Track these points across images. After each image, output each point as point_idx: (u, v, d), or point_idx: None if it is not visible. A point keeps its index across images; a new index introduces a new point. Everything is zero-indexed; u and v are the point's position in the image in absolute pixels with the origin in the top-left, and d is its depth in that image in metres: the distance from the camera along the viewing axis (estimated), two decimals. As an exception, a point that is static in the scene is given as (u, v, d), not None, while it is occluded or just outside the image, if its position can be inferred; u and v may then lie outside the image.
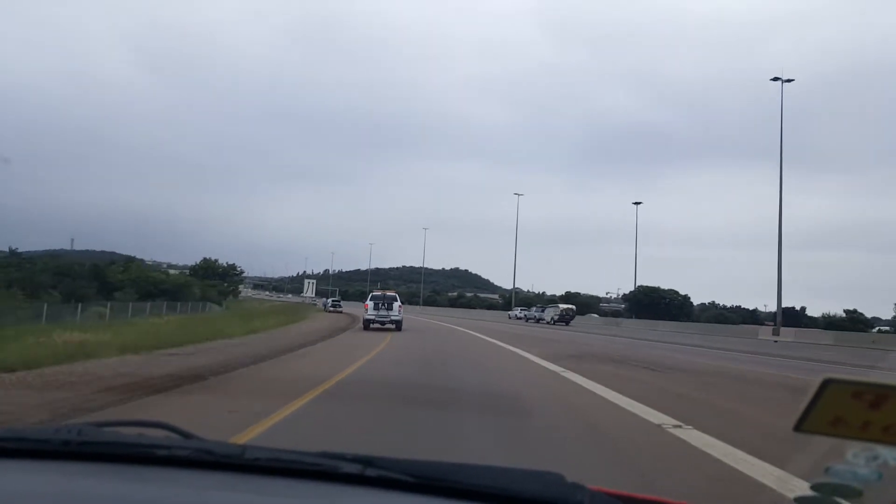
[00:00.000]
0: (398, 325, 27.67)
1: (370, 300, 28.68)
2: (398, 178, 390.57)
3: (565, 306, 62.52)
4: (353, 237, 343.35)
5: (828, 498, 0.87)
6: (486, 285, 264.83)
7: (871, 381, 0.79)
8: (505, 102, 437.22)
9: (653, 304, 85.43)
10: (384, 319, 27.71)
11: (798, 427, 0.82)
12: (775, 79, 45.76)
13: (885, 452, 0.85)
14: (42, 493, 1.10)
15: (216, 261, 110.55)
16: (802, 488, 0.90)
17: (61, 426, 1.25)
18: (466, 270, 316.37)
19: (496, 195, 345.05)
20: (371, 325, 27.83)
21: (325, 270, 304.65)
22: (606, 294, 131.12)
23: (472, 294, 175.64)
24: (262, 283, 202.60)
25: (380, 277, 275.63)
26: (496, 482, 1.07)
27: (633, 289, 78.01)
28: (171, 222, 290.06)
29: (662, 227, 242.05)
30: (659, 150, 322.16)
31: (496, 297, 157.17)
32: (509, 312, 75.62)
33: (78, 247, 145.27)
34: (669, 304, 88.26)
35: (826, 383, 0.80)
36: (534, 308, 69.81)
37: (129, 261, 63.57)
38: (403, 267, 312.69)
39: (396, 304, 28.26)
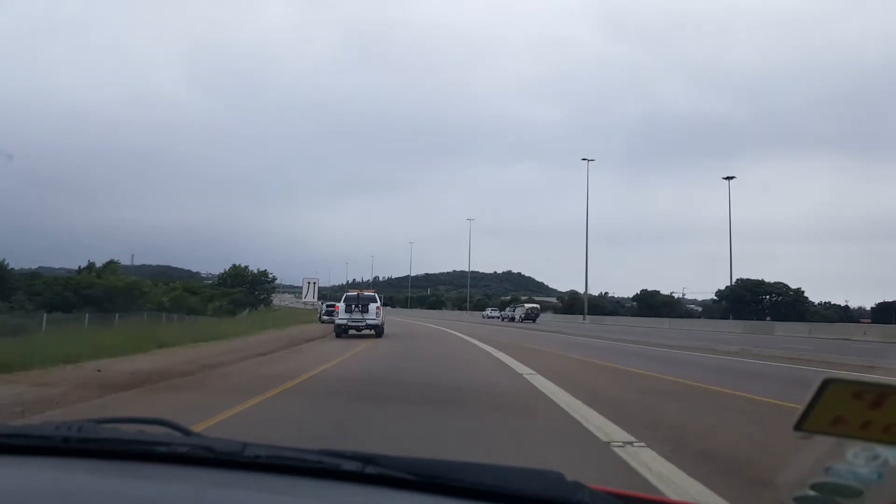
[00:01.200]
0: (378, 330, 24.27)
1: (343, 301, 25.06)
2: (449, 183, 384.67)
3: (530, 305, 70.40)
4: (402, 244, 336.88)
5: (828, 497, 0.87)
6: (541, 288, 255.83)
7: (872, 380, 0.79)
8: (557, 101, 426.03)
9: (755, 300, 70.87)
10: (359, 324, 24.13)
11: (798, 426, 0.82)
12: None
13: (885, 452, 0.85)
14: (42, 490, 1.09)
15: (246, 267, 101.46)
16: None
17: (61, 423, 1.24)
18: (519, 273, 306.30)
19: (549, 196, 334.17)
20: (345, 332, 24.18)
21: (375, 277, 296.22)
22: (683, 292, 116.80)
23: (527, 297, 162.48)
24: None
25: (430, 283, 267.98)
26: (496, 480, 1.06)
27: (730, 284, 63.82)
28: (225, 236, 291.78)
29: (727, 222, 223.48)
30: (723, 141, 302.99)
31: (553, 300, 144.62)
32: (482, 313, 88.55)
33: (137, 262, 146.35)
34: (779, 302, 72.08)
35: (826, 383, 0.80)
36: (507, 308, 77.65)
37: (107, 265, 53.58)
38: (454, 271, 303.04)
39: (374, 306, 24.40)
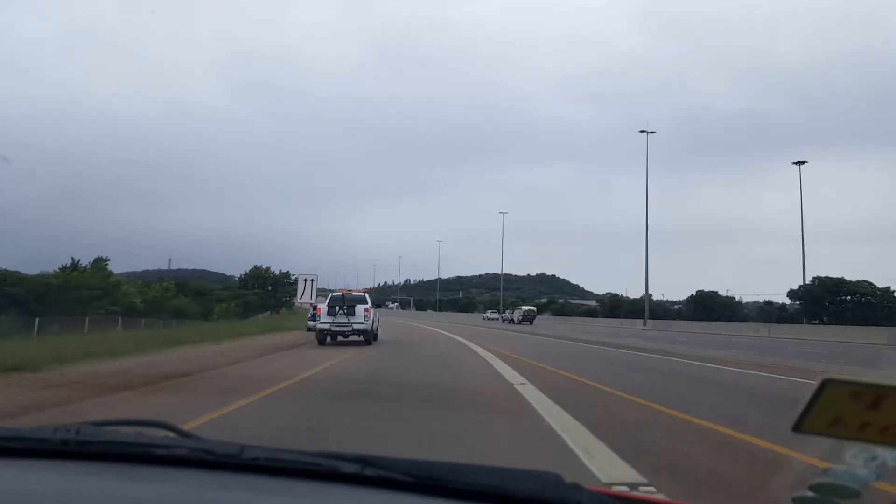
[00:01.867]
0: (367, 335, 20.95)
1: (325, 303, 21.62)
2: (480, 185, 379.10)
3: (527, 308, 74.65)
4: (433, 247, 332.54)
5: (826, 499, 0.87)
6: (576, 291, 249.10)
7: (870, 381, 0.78)
8: (592, 100, 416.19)
9: (834, 301, 61.75)
10: (344, 329, 20.73)
11: (797, 428, 0.82)
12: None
13: (883, 453, 0.84)
14: (41, 493, 1.09)
15: (268, 269, 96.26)
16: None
17: (60, 425, 1.23)
18: (553, 276, 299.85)
19: (585, 197, 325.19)
20: (329, 339, 21.09)
21: (406, 280, 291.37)
22: (739, 295, 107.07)
23: (563, 300, 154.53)
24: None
25: (461, 286, 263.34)
26: (494, 482, 1.06)
27: (804, 283, 54.94)
28: (258, 240, 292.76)
29: (774, 223, 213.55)
30: (768, 140, 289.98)
31: (592, 303, 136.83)
32: (483, 315, 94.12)
33: (174, 266, 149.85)
34: (863, 303, 62.08)
35: (825, 384, 0.79)
36: (507, 311, 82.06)
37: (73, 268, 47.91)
38: (485, 274, 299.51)
39: (362, 308, 20.99)
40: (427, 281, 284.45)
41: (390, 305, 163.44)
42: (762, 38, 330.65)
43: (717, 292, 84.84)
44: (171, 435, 1.31)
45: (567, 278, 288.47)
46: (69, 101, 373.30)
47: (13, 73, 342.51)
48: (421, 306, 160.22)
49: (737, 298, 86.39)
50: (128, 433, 1.24)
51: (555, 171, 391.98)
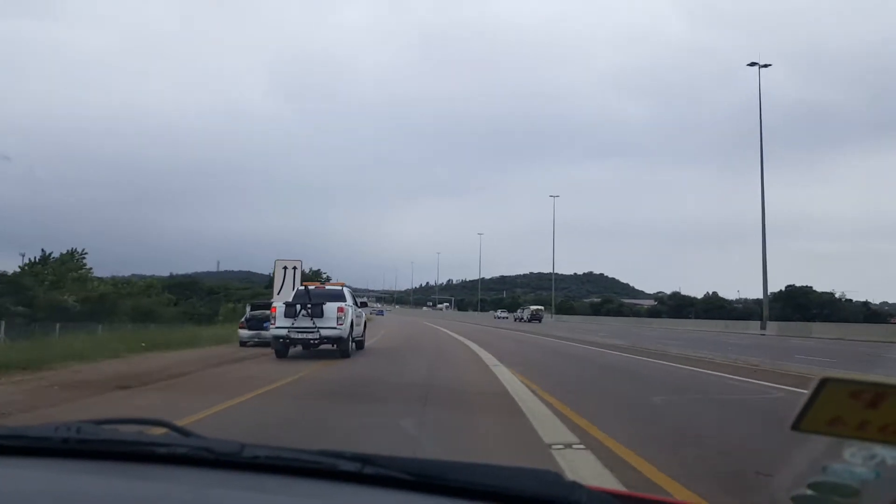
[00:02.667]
0: (341, 344, 15.13)
1: (291, 301, 15.61)
2: (525, 183, 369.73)
3: (535, 307, 76.07)
4: (476, 247, 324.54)
5: (825, 497, 0.87)
6: (626, 290, 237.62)
7: (869, 379, 0.78)
8: (642, 95, 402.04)
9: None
10: (308, 336, 14.94)
11: (796, 426, 0.82)
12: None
13: (882, 451, 0.85)
14: (42, 491, 1.09)
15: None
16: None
17: (60, 424, 1.23)
18: (602, 274, 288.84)
19: (634, 194, 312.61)
20: (288, 349, 15.38)
21: (448, 280, 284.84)
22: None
23: (618, 300, 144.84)
24: (383, 297, 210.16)
25: (505, 285, 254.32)
26: (494, 480, 1.06)
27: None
28: (303, 240, 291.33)
29: (826, 218, 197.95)
30: (824, 132, 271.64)
31: (650, 302, 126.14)
32: (494, 314, 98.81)
33: (222, 268, 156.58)
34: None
35: (824, 382, 0.79)
36: (518, 310, 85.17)
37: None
38: (530, 273, 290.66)
39: (334, 307, 15.10)
40: (469, 281, 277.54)
41: (439, 306, 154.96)
42: (819, 25, 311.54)
43: (811, 287, 73.56)
44: (172, 433, 1.30)
45: (616, 277, 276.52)
46: (123, 108, 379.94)
47: (69, 82, 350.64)
48: (463, 307, 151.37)
49: (837, 295, 74.64)
50: (128, 432, 1.24)
51: (602, 169, 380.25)
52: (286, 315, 15.00)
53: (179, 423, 1.35)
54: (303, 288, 16.35)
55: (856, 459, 0.86)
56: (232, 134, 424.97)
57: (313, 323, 14.91)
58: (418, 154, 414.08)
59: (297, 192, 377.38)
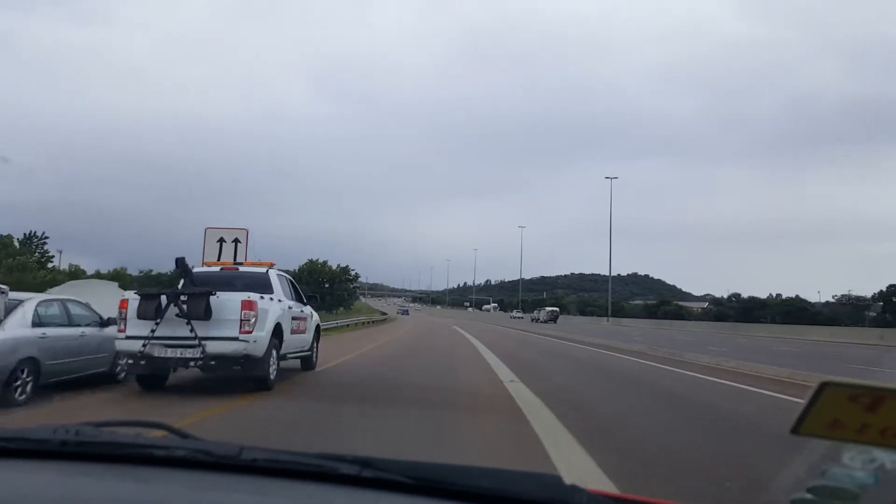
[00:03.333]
0: (252, 366, 8.65)
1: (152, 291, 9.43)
2: (566, 183, 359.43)
3: (551, 308, 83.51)
4: (516, 248, 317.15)
5: (824, 501, 0.87)
6: (673, 292, 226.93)
7: (869, 383, 0.78)
8: (688, 90, 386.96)
9: None
10: (183, 353, 8.35)
11: (795, 430, 0.81)
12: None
13: (881, 455, 0.85)
14: (40, 494, 1.09)
15: (324, 262, 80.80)
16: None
17: (59, 426, 1.22)
18: (647, 276, 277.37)
19: (681, 193, 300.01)
20: (155, 374, 9.00)
21: (487, 281, 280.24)
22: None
23: (675, 304, 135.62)
24: (419, 297, 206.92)
25: (546, 286, 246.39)
26: (494, 484, 1.06)
27: None
28: (343, 240, 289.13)
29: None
30: (886, 127, 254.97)
31: (703, 304, 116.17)
32: (510, 314, 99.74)
33: None
34: None
35: (823, 386, 0.79)
36: (534, 311, 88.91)
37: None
38: (571, 274, 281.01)
39: (235, 301, 8.57)
40: (508, 281, 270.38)
41: (486, 307, 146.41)
42: (877, 15, 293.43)
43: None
44: (171, 436, 1.30)
45: (662, 278, 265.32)
46: (171, 112, 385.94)
47: (118, 87, 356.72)
48: (504, 307, 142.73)
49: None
50: (127, 434, 1.23)
51: (646, 167, 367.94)
52: (142, 314, 8.35)
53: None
54: (182, 260, 9.15)
55: (855, 463, 0.85)
56: (271, 136, 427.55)
57: (191, 329, 8.23)
58: (456, 154, 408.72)
59: (335, 193, 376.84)
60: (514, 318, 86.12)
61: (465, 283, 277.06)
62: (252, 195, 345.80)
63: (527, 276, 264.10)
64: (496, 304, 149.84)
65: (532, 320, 76.04)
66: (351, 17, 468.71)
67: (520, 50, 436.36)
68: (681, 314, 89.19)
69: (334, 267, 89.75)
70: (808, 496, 0.87)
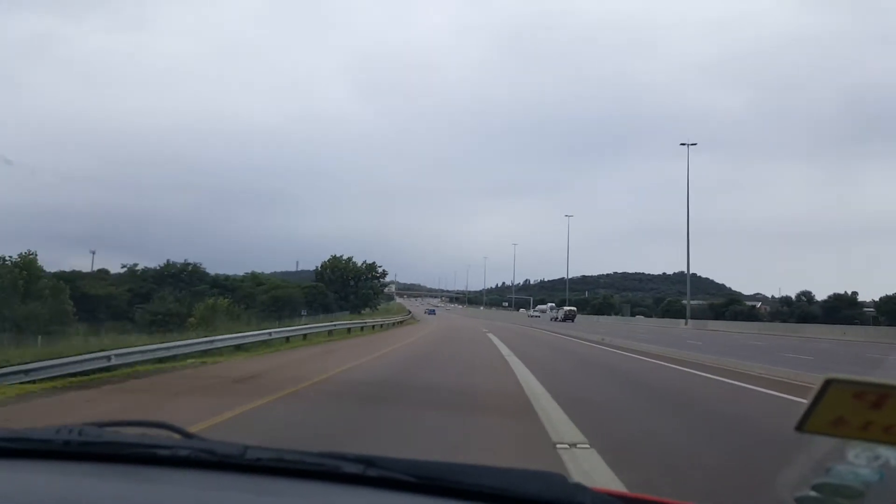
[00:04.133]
0: None
1: None
2: (611, 181, 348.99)
3: (568, 308, 78.55)
4: (555, 247, 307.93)
5: (829, 498, 0.87)
6: (722, 291, 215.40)
7: (873, 381, 0.78)
8: (737, 84, 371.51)
9: None
10: None
11: (800, 427, 0.82)
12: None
13: (886, 452, 0.85)
14: (44, 494, 1.09)
15: (349, 259, 72.82)
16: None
17: (62, 426, 1.23)
18: (694, 275, 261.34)
19: (728, 190, 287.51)
20: None
21: (526, 280, 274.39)
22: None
23: (745, 304, 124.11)
24: (457, 297, 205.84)
25: (587, 285, 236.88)
26: (498, 482, 1.05)
27: None
28: (383, 241, 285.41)
29: None
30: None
31: (755, 304, 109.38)
32: (528, 312, 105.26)
33: (301, 268, 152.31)
34: None
35: (828, 383, 0.79)
36: (553, 310, 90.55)
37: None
38: (614, 273, 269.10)
39: None
40: (548, 281, 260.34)
41: (540, 308, 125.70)
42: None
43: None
44: (174, 436, 1.30)
45: (710, 277, 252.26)
46: (208, 114, 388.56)
47: (158, 89, 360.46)
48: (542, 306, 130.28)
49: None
50: (130, 434, 1.23)
51: (691, 165, 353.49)
52: None
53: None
54: None
55: (860, 460, 0.85)
56: (311, 136, 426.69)
57: None
58: (497, 153, 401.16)
59: (373, 192, 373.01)
60: (532, 316, 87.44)
61: (504, 283, 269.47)
62: (291, 196, 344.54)
63: (569, 275, 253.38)
64: (552, 305, 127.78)
65: (551, 319, 76.40)
66: (392, 14, 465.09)
67: (559, 47, 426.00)
68: (754, 314, 78.95)
69: (359, 263, 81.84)
70: (813, 493, 0.87)
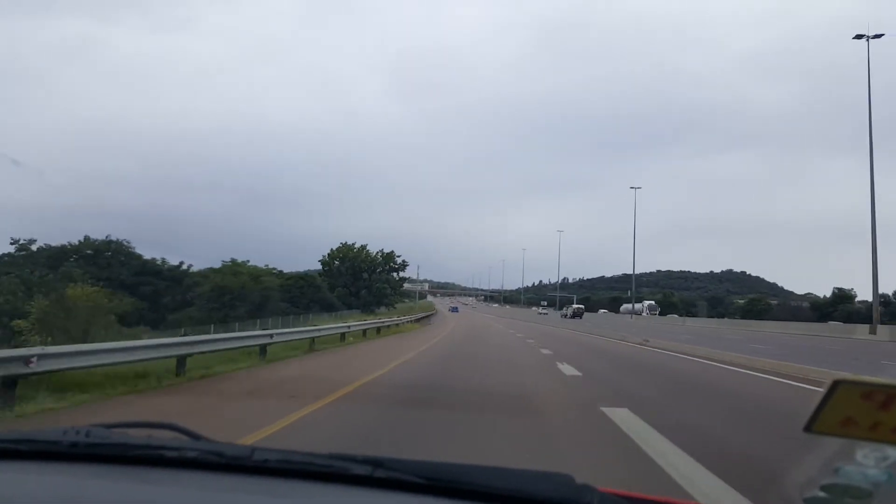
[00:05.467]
0: None
1: None
2: (652, 177, 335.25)
3: (576, 306, 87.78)
4: (593, 246, 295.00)
5: (838, 499, 0.87)
6: (774, 289, 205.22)
7: (881, 381, 0.79)
8: (784, 77, 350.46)
9: None
10: None
11: (808, 428, 0.82)
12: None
13: (894, 453, 0.85)
14: (51, 495, 1.09)
15: (363, 248, 67.74)
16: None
17: (69, 427, 1.23)
18: (743, 272, 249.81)
19: (780, 186, 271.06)
20: None
21: (564, 279, 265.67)
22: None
23: (774, 301, 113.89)
24: (492, 296, 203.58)
25: (629, 284, 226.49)
26: (506, 483, 1.05)
27: None
28: (416, 239, 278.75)
29: None
30: None
31: (805, 303, 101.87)
32: (537, 309, 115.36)
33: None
34: None
35: (836, 384, 0.80)
36: (563, 308, 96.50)
37: None
38: (658, 271, 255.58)
39: None
40: (587, 279, 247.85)
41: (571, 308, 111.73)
42: None
43: None
44: (181, 437, 1.30)
45: (761, 275, 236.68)
46: (244, 115, 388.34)
47: (195, 91, 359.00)
48: (591, 307, 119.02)
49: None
50: (138, 435, 1.23)
51: (736, 161, 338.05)
52: None
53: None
54: None
55: (868, 461, 0.85)
56: (345, 135, 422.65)
57: None
58: (533, 151, 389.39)
59: (411, 191, 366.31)
60: (541, 314, 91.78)
61: (541, 282, 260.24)
62: (326, 195, 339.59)
63: (608, 274, 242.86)
64: (651, 305, 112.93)
65: (562, 316, 78.01)
66: (427, 13, 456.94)
67: (598, 42, 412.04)
68: (853, 317, 64.73)
69: (374, 253, 69.17)
70: (822, 494, 0.87)
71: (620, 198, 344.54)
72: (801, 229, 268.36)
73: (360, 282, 66.36)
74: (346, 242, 65.43)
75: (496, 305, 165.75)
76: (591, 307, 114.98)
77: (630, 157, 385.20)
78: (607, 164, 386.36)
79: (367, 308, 60.91)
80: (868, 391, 0.78)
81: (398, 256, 71.42)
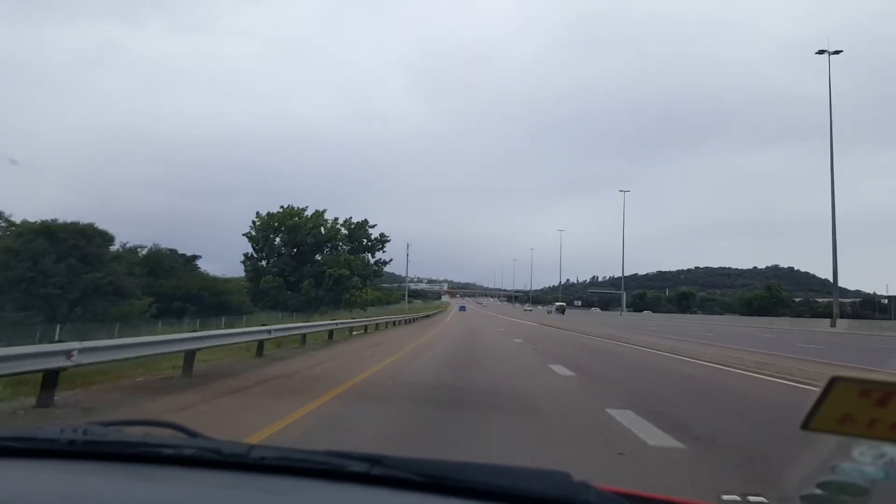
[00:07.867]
0: None
1: None
2: (688, 174, 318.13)
3: (559, 304, 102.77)
4: (627, 243, 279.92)
5: (834, 496, 0.87)
6: (825, 286, 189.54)
7: (879, 379, 0.79)
8: (826, 67, 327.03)
9: None
10: None
11: (806, 425, 0.82)
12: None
13: (891, 450, 0.85)
14: (49, 493, 1.09)
15: (318, 214, 53.27)
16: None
17: (67, 426, 1.24)
18: (790, 268, 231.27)
19: (819, 179, 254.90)
20: None
21: (594, 277, 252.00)
22: None
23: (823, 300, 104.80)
24: (515, 295, 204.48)
25: (665, 282, 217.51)
26: (503, 481, 1.06)
27: None
28: (443, 241, 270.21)
29: None
30: None
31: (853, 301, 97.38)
32: (524, 306, 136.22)
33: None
34: None
35: (833, 381, 0.80)
36: (550, 305, 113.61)
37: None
38: (696, 269, 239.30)
39: None
40: (617, 278, 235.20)
41: (555, 305, 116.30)
42: None
43: None
44: (179, 435, 1.30)
45: (811, 272, 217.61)
46: (266, 115, 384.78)
47: (218, 92, 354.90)
48: (638, 307, 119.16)
49: None
50: (135, 433, 1.24)
51: (777, 155, 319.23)
52: None
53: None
54: None
55: (865, 458, 0.86)
56: (367, 135, 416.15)
57: None
58: (558, 148, 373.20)
59: (434, 191, 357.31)
60: (526, 310, 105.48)
61: (569, 281, 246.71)
62: (352, 196, 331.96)
63: (641, 272, 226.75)
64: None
65: (548, 312, 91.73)
66: (451, 7, 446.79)
67: (628, 31, 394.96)
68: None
69: (344, 222, 52.37)
70: (819, 491, 0.87)
71: (657, 195, 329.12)
72: (851, 225, 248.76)
73: (305, 269, 48.94)
74: (288, 206, 48.79)
75: (511, 306, 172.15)
76: (639, 307, 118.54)
77: (667, 152, 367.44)
78: (643, 160, 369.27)
79: (314, 308, 44.75)
80: (865, 388, 0.77)
81: (371, 226, 54.23)
